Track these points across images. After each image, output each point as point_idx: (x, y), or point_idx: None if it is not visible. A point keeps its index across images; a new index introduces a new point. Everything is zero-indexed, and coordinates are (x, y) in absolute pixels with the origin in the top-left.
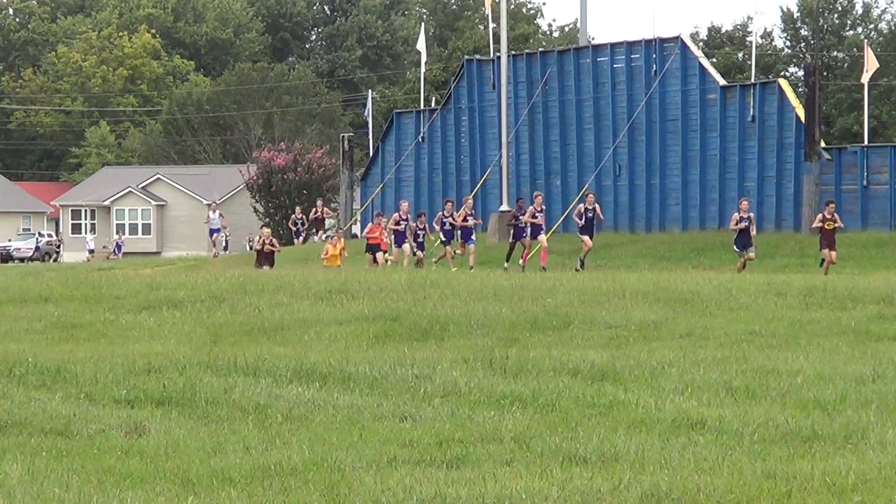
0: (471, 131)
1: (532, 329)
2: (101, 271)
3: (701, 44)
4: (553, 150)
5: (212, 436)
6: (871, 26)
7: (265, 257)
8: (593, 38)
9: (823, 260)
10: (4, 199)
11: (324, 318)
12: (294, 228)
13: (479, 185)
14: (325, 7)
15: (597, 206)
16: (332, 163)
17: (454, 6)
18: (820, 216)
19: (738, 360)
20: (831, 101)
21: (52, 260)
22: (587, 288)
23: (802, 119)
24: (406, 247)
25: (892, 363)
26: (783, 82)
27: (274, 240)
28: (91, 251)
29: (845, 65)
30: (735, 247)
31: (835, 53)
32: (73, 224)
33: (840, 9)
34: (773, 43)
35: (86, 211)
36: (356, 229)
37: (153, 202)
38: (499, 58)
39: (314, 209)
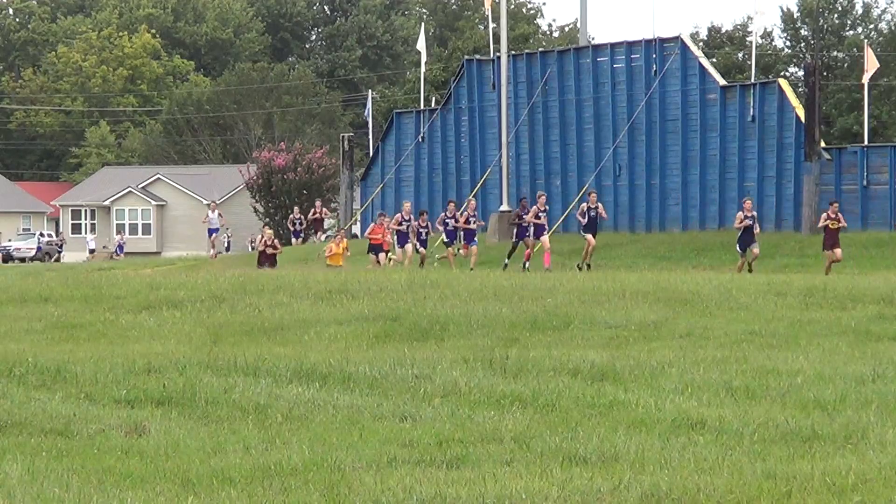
0: (471, 131)
1: (532, 329)
2: (101, 271)
3: (701, 44)
4: (553, 150)
5: (212, 436)
6: (871, 26)
7: (267, 258)
8: (593, 38)
9: (827, 270)
10: (4, 199)
11: (324, 318)
12: (292, 228)
13: (479, 185)
14: (325, 7)
15: (599, 204)
16: (332, 163)
17: (454, 6)
18: (824, 215)
19: (738, 360)
20: (831, 101)
21: (53, 260)
22: (587, 288)
23: (802, 119)
24: (409, 247)
25: (892, 363)
26: (783, 82)
27: (276, 241)
28: (91, 251)
29: (845, 65)
30: (738, 246)
31: (835, 53)
32: (73, 224)
33: (840, 9)
34: (773, 43)
35: (86, 211)
36: (356, 229)
37: (153, 202)
38: (499, 58)
39: (313, 210)
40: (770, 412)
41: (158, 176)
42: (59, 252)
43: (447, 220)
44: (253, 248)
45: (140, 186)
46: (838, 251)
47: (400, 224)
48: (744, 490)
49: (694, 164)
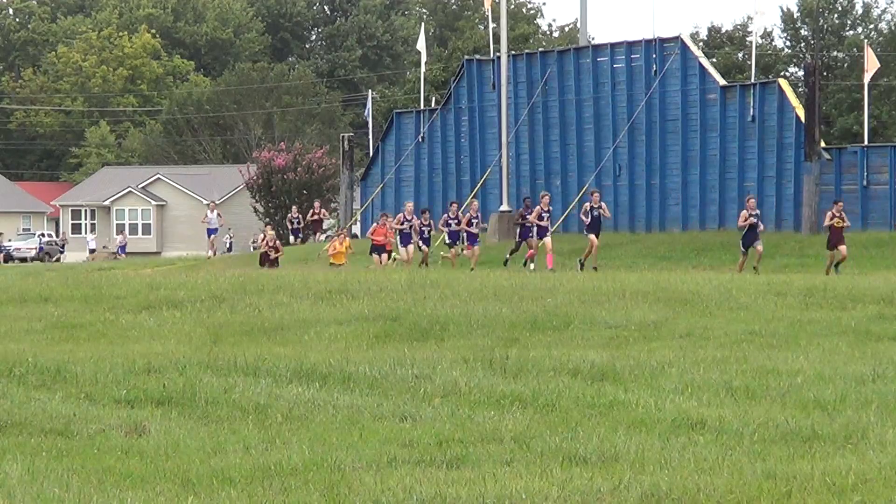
0: (471, 131)
1: (532, 329)
2: (101, 271)
3: (701, 44)
4: (553, 150)
5: (212, 436)
6: (871, 26)
7: (268, 260)
8: (593, 38)
9: (828, 269)
10: (4, 199)
11: (324, 318)
12: (290, 226)
13: (479, 185)
14: (325, 7)
15: (602, 203)
16: (332, 163)
17: (454, 6)
18: (829, 214)
19: (738, 360)
20: (831, 101)
21: (53, 259)
22: (587, 288)
23: (802, 119)
24: (412, 247)
25: (892, 363)
26: (783, 82)
27: (278, 242)
28: (92, 251)
29: (845, 65)
30: (742, 245)
31: (835, 53)
32: (73, 224)
33: (840, 9)
34: (773, 43)
35: (86, 211)
36: (356, 229)
37: (153, 202)
38: (499, 58)
39: (312, 211)
40: (770, 412)
41: (158, 176)
42: (62, 252)
43: (450, 222)
44: (255, 248)
45: (140, 186)
46: (843, 247)
47: (402, 224)
48: (744, 490)
49: (694, 164)
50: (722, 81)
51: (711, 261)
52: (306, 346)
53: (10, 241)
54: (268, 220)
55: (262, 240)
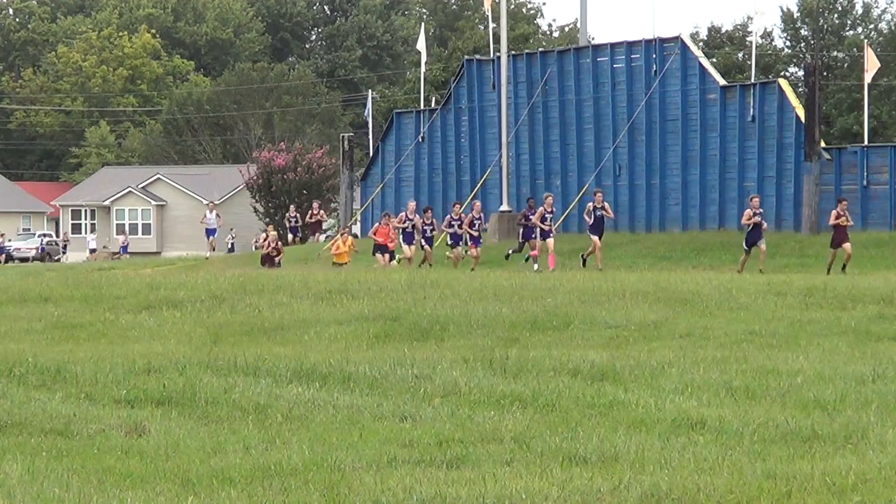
0: (471, 131)
1: (532, 329)
2: (101, 271)
3: (701, 44)
4: (553, 150)
5: (212, 436)
6: (871, 26)
7: (269, 261)
8: (593, 38)
9: (830, 266)
10: (4, 199)
11: (324, 318)
12: (288, 225)
13: (479, 185)
14: (325, 7)
15: (605, 204)
16: (332, 163)
17: (454, 6)
18: (834, 212)
19: (738, 360)
20: (831, 101)
21: (56, 259)
22: (587, 288)
23: (802, 119)
24: (414, 246)
25: (892, 363)
26: (783, 82)
27: (279, 243)
28: (92, 251)
29: (845, 65)
30: (745, 244)
31: (835, 53)
32: (73, 224)
33: (840, 9)
34: (773, 43)
35: (86, 211)
36: (356, 229)
37: (153, 202)
38: (499, 58)
39: (310, 212)
40: (770, 412)
41: (158, 176)
42: (63, 253)
43: (452, 223)
44: (257, 248)
45: (140, 186)
46: (847, 245)
47: (403, 222)
48: (744, 490)
49: (694, 164)
50: (722, 81)
51: (711, 261)
52: (306, 346)
53: (9, 241)
54: (268, 219)
55: (264, 240)
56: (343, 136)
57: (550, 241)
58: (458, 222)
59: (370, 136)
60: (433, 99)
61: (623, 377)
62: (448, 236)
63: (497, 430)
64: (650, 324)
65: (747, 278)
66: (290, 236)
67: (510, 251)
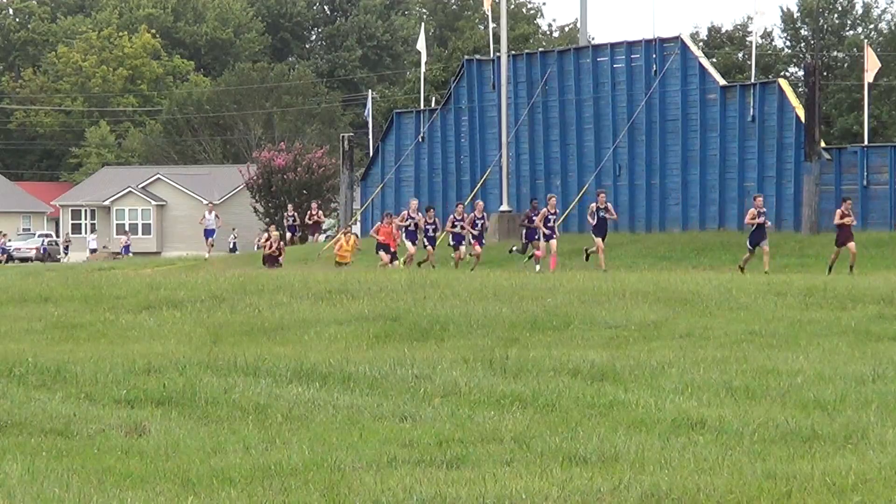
0: (471, 131)
1: (532, 329)
2: (101, 271)
3: (701, 44)
4: (553, 150)
5: (212, 436)
6: (871, 26)
7: (272, 260)
8: (593, 38)
9: (832, 265)
10: (4, 199)
11: (324, 318)
12: (286, 224)
13: (479, 185)
14: (325, 7)
15: (608, 205)
16: (332, 163)
17: (454, 6)
18: (839, 212)
19: (738, 360)
20: (831, 101)
21: (56, 260)
22: (587, 288)
23: (802, 119)
24: (417, 244)
25: (892, 363)
26: (783, 82)
27: (282, 243)
28: (93, 251)
29: (845, 65)
30: (749, 243)
31: (835, 53)
32: (73, 224)
33: (840, 9)
34: (773, 43)
35: (86, 211)
36: (356, 230)
37: (153, 202)
38: (499, 58)
39: (309, 213)
40: (770, 412)
41: (158, 176)
42: (66, 253)
43: (456, 223)
44: (259, 248)
45: (140, 186)
46: (852, 245)
47: (405, 220)
48: (744, 490)
49: (694, 164)
50: (722, 81)
51: (711, 261)
52: (306, 346)
53: (9, 241)
54: (268, 219)
55: (266, 240)
56: (343, 136)
57: (553, 242)
58: (461, 222)
59: (370, 136)
60: (433, 99)
61: (623, 377)
62: (450, 237)
63: (497, 430)
64: (650, 324)
65: (747, 278)
66: (288, 235)
67: (514, 248)
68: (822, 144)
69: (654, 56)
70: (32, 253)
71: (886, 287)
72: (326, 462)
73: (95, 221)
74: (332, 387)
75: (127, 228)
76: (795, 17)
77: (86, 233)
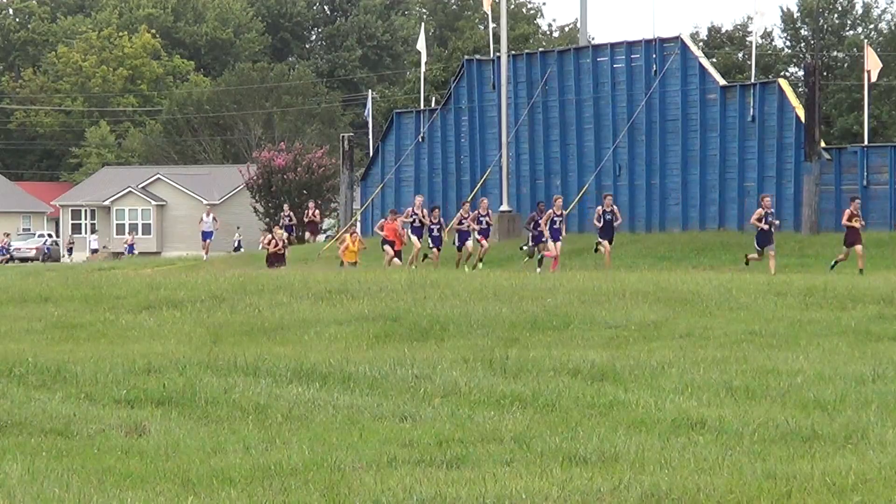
0: (471, 131)
1: (532, 329)
2: (101, 271)
3: (701, 44)
4: (553, 150)
5: (212, 436)
6: (871, 26)
7: (277, 258)
8: (593, 38)
9: (836, 262)
10: (4, 199)
11: (324, 318)
12: (283, 224)
13: (479, 185)
14: (325, 7)
15: (615, 207)
16: (332, 163)
17: (454, 6)
18: (848, 212)
19: (738, 360)
20: (831, 101)
21: (56, 260)
22: (587, 288)
23: (802, 119)
24: (419, 242)
25: (892, 363)
26: (783, 82)
27: (285, 242)
28: (94, 251)
29: (845, 65)
30: (756, 244)
31: (835, 53)
32: (73, 224)
33: (840, 9)
34: (773, 43)
35: (86, 211)
36: (356, 229)
37: (153, 202)
38: (499, 58)
39: (306, 212)
40: (770, 412)
41: (158, 176)
42: (69, 254)
43: (463, 221)
44: (262, 248)
45: (140, 186)
46: (859, 247)
47: (410, 217)
48: (744, 490)
49: (694, 164)
50: (722, 81)
51: (711, 261)
52: (306, 346)
53: (11, 242)
54: (268, 219)
55: (270, 239)
56: (343, 136)
57: (558, 244)
58: (467, 220)
59: (370, 136)
60: (433, 99)
61: (623, 377)
62: (456, 237)
63: (497, 430)
64: (650, 324)
65: (747, 278)
66: (285, 235)
67: (524, 246)
68: (822, 144)
69: (654, 56)
70: (33, 253)
71: (886, 287)
72: (326, 462)
73: (95, 221)
74: (332, 387)
75: (127, 228)
76: (795, 17)
77: (86, 233)
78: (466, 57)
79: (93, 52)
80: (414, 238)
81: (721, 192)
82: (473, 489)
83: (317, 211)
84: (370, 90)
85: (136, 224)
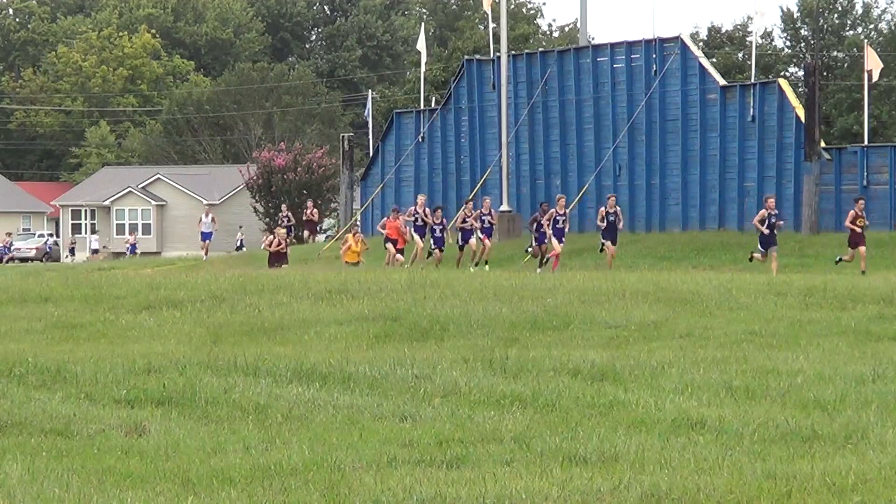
0: (471, 131)
1: (532, 329)
2: (101, 271)
3: (701, 44)
4: (553, 150)
5: (212, 436)
6: (871, 26)
7: (279, 257)
8: (593, 38)
9: (841, 259)
10: (4, 199)
11: (324, 318)
12: (283, 224)
13: (479, 185)
14: (325, 7)
15: (618, 208)
16: (332, 163)
17: (454, 6)
18: (852, 213)
19: (738, 360)
20: (831, 101)
21: (56, 260)
22: (587, 288)
23: (802, 119)
24: (421, 241)
25: (892, 363)
26: (783, 82)
27: (288, 240)
28: (95, 251)
29: (845, 65)
30: (760, 245)
31: (835, 53)
32: (73, 224)
33: (840, 9)
34: (773, 43)
35: (86, 211)
36: (358, 229)
37: (153, 202)
38: (499, 58)
39: (305, 211)
40: (770, 412)
41: (158, 176)
42: (72, 254)
43: (466, 219)
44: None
45: (140, 186)
46: (863, 249)
47: (412, 216)
48: (744, 490)
49: (694, 164)
50: (722, 81)
51: (711, 261)
52: (306, 346)
53: (12, 242)
54: (268, 219)
55: (273, 240)
56: (343, 136)
57: (562, 243)
58: (470, 218)
59: (370, 136)
60: (433, 99)
61: (623, 377)
62: (459, 236)
63: (497, 430)
64: (650, 324)
65: (747, 278)
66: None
67: (529, 248)
68: (822, 144)
69: (654, 56)
70: (33, 253)
71: (886, 287)
72: (326, 462)
73: (95, 221)
74: (332, 387)
75: (128, 228)
76: (795, 17)
77: (86, 233)
78: (466, 57)
79: (93, 52)
80: (416, 237)
81: (721, 192)
82: (473, 489)
83: (315, 210)
84: (370, 90)
85: (136, 224)
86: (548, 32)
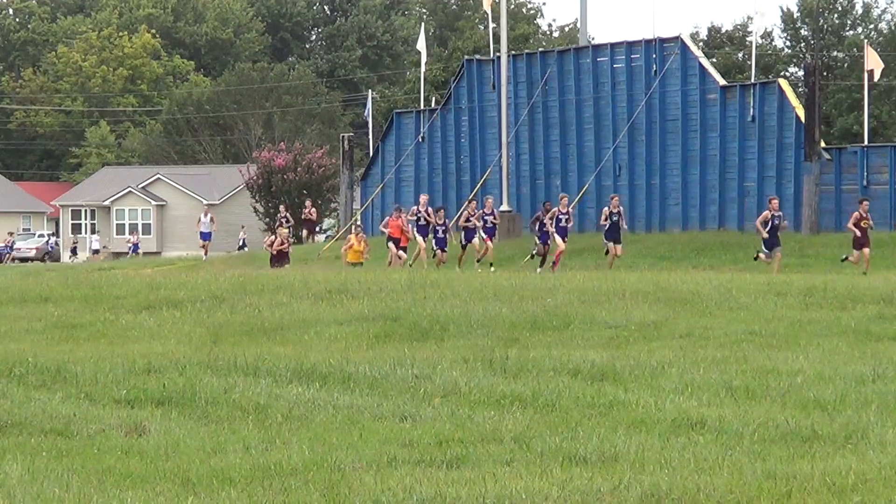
0: (471, 131)
1: (532, 329)
2: (101, 271)
3: (701, 44)
4: (553, 150)
5: (212, 436)
6: (871, 26)
7: (281, 257)
8: (593, 38)
9: (847, 258)
10: (4, 199)
11: (324, 318)
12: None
13: (479, 185)
14: (325, 7)
15: (621, 209)
16: (332, 163)
17: (454, 6)
18: (857, 214)
19: (738, 360)
20: (831, 101)
21: (55, 260)
22: (587, 288)
23: (802, 119)
24: (423, 241)
25: (892, 363)
26: (783, 82)
27: (291, 240)
28: (95, 251)
29: (845, 65)
30: (764, 246)
31: (835, 53)
32: (73, 224)
33: (840, 9)
34: (773, 43)
35: (86, 211)
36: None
37: (153, 202)
38: (499, 58)
39: (303, 210)
40: (770, 412)
41: (158, 176)
42: (74, 255)
43: (469, 218)
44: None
45: (140, 186)
46: (867, 251)
47: (415, 215)
48: (744, 490)
49: (694, 164)
50: (722, 81)
51: (711, 261)
52: (306, 346)
53: (14, 242)
54: (268, 220)
55: (276, 239)
56: (343, 136)
57: (565, 242)
58: (473, 218)
59: (370, 136)
60: (433, 99)
61: (623, 377)
62: (462, 235)
63: (497, 430)
64: (650, 324)
65: (747, 278)
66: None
67: (533, 251)
68: (822, 144)
69: (654, 56)
70: (33, 252)
71: (886, 287)
72: (326, 462)
73: (95, 221)
74: (332, 387)
75: (128, 228)
76: (795, 17)
77: (86, 233)
78: (466, 57)
79: (93, 52)
80: (419, 237)
81: (721, 192)
82: (473, 489)
83: (313, 209)
84: (370, 90)
85: (136, 224)
86: (548, 32)
